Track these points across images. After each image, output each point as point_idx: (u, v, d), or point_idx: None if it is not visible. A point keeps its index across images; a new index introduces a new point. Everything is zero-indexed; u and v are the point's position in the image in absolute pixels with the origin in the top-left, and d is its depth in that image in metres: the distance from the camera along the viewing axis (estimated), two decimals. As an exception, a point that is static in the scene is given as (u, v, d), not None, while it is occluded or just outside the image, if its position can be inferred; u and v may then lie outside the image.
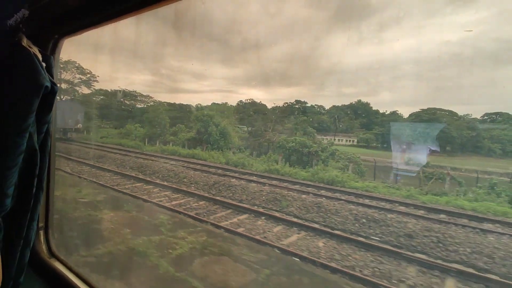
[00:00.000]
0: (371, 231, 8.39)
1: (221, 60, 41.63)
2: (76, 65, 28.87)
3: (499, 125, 27.75)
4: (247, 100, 39.96)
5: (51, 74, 1.29)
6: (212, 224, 8.44)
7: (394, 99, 39.04)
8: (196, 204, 10.42)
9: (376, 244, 7.44)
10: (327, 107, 41.39)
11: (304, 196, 11.27)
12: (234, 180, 13.49)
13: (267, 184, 12.86)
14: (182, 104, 35.15)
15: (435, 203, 11.02)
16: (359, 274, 6.05)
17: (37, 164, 1.28)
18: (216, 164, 17.99)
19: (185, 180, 13.56)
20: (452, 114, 28.37)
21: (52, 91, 1.26)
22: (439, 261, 6.72)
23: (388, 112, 36.42)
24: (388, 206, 10.39)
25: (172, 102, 36.57)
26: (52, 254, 1.74)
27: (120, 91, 31.37)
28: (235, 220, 9.13)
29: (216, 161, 18.80)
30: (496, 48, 22.30)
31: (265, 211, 9.82)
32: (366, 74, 33.41)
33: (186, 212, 9.29)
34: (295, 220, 9.15)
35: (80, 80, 30.17)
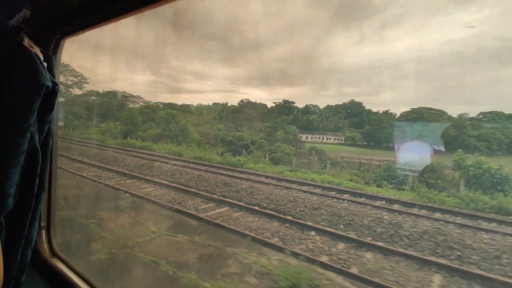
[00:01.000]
0: (219, 189, 12.29)
1: (222, 60, 41.95)
2: (69, 68, 29.76)
3: (487, 124, 28.84)
4: (243, 100, 41.40)
5: (52, 74, 1.33)
6: (89, 179, 12.39)
7: (396, 98, 39.72)
8: (106, 175, 13.74)
9: (196, 191, 11.57)
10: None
11: (197, 172, 15.23)
12: (156, 163, 17.23)
13: (178, 165, 16.67)
14: (176, 104, 38.00)
15: (292, 177, 15.12)
16: (161, 202, 10.11)
17: (39, 164, 1.31)
18: (159, 153, 21.55)
19: (121, 163, 17.10)
20: (441, 113, 29.34)
21: (53, 91, 1.30)
22: (235, 201, 10.65)
23: (381, 112, 37.35)
24: (253, 177, 14.34)
25: (167, 102, 39.04)
26: (53, 254, 1.78)
27: (111, 92, 32.98)
28: (121, 181, 12.59)
29: (160, 151, 22.31)
30: (499, 46, 22.32)
31: (152, 179, 13.24)
32: (368, 73, 34.03)
33: (84, 175, 13.08)
34: (165, 182, 12.88)
35: (72, 82, 31.48)
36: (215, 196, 11.11)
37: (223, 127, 32.79)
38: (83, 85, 31.93)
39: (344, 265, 6.45)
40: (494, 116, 29.91)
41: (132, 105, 37.36)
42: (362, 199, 11.13)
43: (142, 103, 37.35)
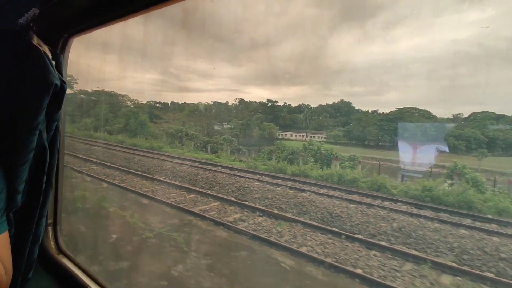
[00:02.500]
0: (118, 161, 16.48)
1: (227, 59, 42.40)
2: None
3: (469, 123, 30.23)
4: (236, 98, 44.78)
5: (60, 72, 1.38)
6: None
7: (400, 98, 40.51)
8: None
9: (99, 162, 15.67)
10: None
11: (116, 152, 19.91)
12: (95, 147, 21.89)
13: (110, 148, 21.39)
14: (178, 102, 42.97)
15: (184, 155, 20.62)
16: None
17: (47, 161, 1.36)
18: (107, 141, 25.94)
19: (69, 147, 20.07)
20: (426, 113, 30.82)
21: (61, 89, 1.34)
22: (118, 166, 15.05)
23: (370, 111, 39.04)
24: (152, 155, 19.40)
25: (158, 101, 43.05)
26: (60, 251, 1.82)
27: (99, 91, 34.65)
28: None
29: (108, 140, 26.63)
30: (506, 46, 22.53)
31: (74, 154, 17.06)
32: (372, 73, 34.51)
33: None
34: (82, 156, 16.81)
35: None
36: (106, 163, 15.45)
37: (194, 123, 36.55)
38: (73, 85, 32.97)
39: (116, 182, 11.85)
40: (476, 116, 31.29)
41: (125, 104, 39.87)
42: (209, 166, 16.72)
43: (128, 102, 40.01)
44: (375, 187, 12.74)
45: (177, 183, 12.45)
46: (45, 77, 1.24)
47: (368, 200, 10.91)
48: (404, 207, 10.22)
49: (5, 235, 1.14)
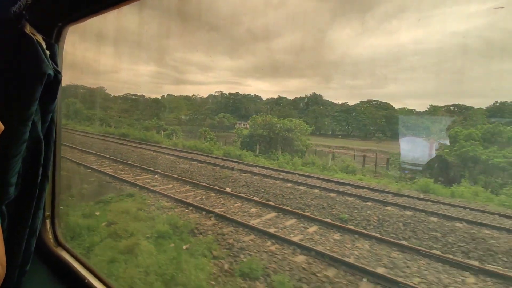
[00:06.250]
0: (91, 146, 19.03)
1: (225, 52, 41.59)
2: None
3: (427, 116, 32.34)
4: (217, 91, 48.33)
5: (55, 62, 1.34)
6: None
7: (399, 91, 41.02)
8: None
9: (80, 148, 17.72)
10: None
11: (75, 134, 24.05)
12: None
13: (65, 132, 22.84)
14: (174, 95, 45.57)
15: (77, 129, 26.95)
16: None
17: (42, 153, 1.33)
18: None
19: None
20: (386, 106, 33.35)
21: (55, 80, 1.31)
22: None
23: (340, 103, 40.95)
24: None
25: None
26: (58, 243, 1.78)
27: (71, 85, 34.40)
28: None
29: None
30: (505, 38, 21.91)
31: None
32: (373, 66, 34.84)
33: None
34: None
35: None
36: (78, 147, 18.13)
37: (138, 114, 40.44)
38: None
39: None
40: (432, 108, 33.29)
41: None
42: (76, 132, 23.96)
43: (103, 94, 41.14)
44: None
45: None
46: (38, 67, 1.21)
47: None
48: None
49: None
